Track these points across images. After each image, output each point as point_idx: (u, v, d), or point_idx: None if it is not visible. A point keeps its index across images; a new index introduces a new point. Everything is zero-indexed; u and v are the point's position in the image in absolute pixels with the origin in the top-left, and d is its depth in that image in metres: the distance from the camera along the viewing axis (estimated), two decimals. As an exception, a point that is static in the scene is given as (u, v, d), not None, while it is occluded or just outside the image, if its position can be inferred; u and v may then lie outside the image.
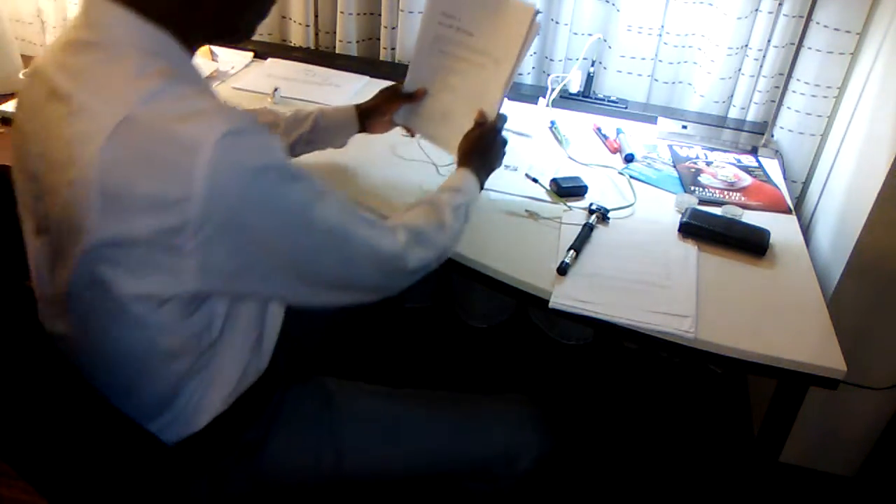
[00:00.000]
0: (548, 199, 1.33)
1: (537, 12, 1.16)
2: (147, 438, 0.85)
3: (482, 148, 1.16)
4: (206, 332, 0.81)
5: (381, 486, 1.04)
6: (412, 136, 1.35)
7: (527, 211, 1.28)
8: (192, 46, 0.81)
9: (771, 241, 1.24)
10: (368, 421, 1.02)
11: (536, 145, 1.54)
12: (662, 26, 1.71)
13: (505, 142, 1.21)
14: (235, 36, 0.85)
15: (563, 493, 1.57)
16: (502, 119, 1.21)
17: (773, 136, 1.69)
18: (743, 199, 1.41)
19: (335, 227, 0.81)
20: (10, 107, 1.54)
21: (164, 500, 0.89)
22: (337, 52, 1.94)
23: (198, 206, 0.68)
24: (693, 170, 1.50)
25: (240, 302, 0.84)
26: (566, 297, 1.07)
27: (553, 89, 1.69)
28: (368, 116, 1.29)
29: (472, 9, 1.21)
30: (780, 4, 1.59)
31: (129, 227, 0.70)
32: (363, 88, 1.73)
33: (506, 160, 1.38)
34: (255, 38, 1.15)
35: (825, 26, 1.55)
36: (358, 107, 1.29)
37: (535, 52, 1.83)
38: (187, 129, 0.68)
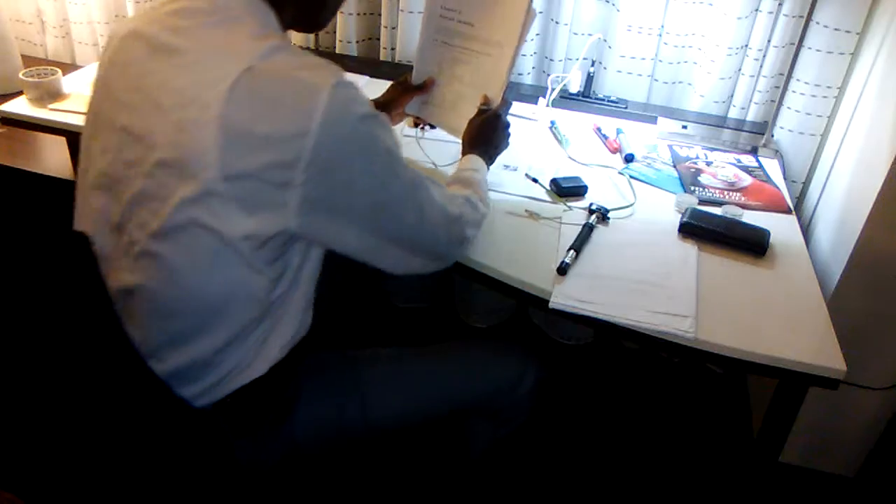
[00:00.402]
0: (548, 199, 1.33)
1: None
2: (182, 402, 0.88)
3: (485, 133, 1.23)
4: (280, 280, 0.87)
5: (401, 434, 1.11)
6: (421, 128, 1.40)
7: (527, 211, 1.28)
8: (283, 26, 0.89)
9: (771, 241, 1.24)
10: (386, 373, 1.10)
11: (536, 145, 1.54)
12: (662, 26, 1.71)
13: (507, 125, 1.27)
14: (314, 25, 0.97)
15: (563, 493, 1.57)
16: (507, 103, 1.27)
17: (773, 136, 1.69)
18: (743, 199, 1.41)
19: (415, 179, 0.91)
20: (10, 107, 1.54)
21: (213, 462, 0.94)
22: (337, 52, 1.94)
23: (312, 142, 0.77)
24: (693, 170, 1.50)
25: (308, 256, 0.90)
26: (566, 297, 1.07)
27: (553, 89, 1.69)
28: (384, 110, 1.34)
29: (472, 1, 1.27)
30: (780, 4, 1.59)
31: (247, 162, 0.77)
32: (363, 88, 1.73)
33: (506, 160, 1.40)
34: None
35: (825, 26, 1.55)
36: (374, 101, 1.34)
37: (535, 52, 1.83)
38: (306, 75, 0.78)
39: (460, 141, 1.25)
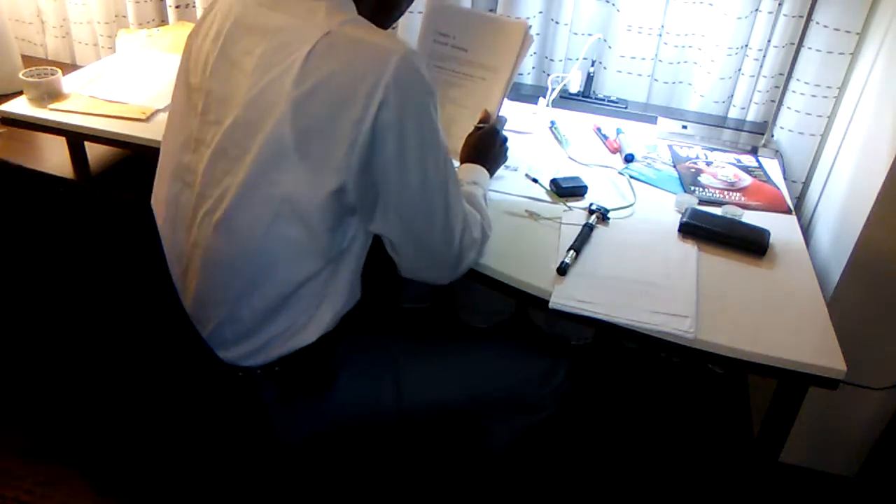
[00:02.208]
0: (548, 199, 1.33)
1: (529, 26, 1.25)
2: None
3: (483, 148, 1.23)
4: (334, 245, 0.91)
5: (435, 420, 1.14)
6: None
7: (527, 211, 1.28)
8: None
9: (771, 241, 1.24)
10: (422, 359, 1.12)
11: (536, 145, 1.54)
12: (662, 26, 1.71)
13: (505, 139, 1.28)
14: (387, 21, 0.99)
15: (563, 493, 1.57)
16: (501, 121, 1.30)
17: (773, 136, 1.69)
18: (743, 199, 1.41)
19: (451, 180, 0.93)
20: (10, 107, 1.54)
21: (257, 428, 0.97)
22: (337, 52, 1.94)
23: (378, 101, 0.81)
24: (693, 170, 1.50)
25: (361, 228, 0.94)
26: (566, 297, 1.07)
27: (553, 89, 1.69)
28: None
29: (466, 27, 1.30)
30: (780, 4, 1.59)
31: (317, 116, 0.82)
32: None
33: (506, 160, 1.40)
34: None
35: (825, 26, 1.55)
36: None
37: (534, 52, 1.82)
38: (380, 41, 0.84)
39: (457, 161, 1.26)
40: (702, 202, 1.36)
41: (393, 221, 0.91)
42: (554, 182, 1.35)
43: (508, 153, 1.30)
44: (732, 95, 1.73)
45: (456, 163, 1.26)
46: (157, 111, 1.54)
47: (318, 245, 0.89)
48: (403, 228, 0.92)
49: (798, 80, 1.63)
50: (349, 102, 0.81)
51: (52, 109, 1.53)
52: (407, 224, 0.92)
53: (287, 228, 0.87)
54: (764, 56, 1.65)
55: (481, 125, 1.26)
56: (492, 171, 1.23)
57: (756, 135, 1.66)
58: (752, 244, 1.23)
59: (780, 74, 1.65)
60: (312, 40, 0.82)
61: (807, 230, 1.58)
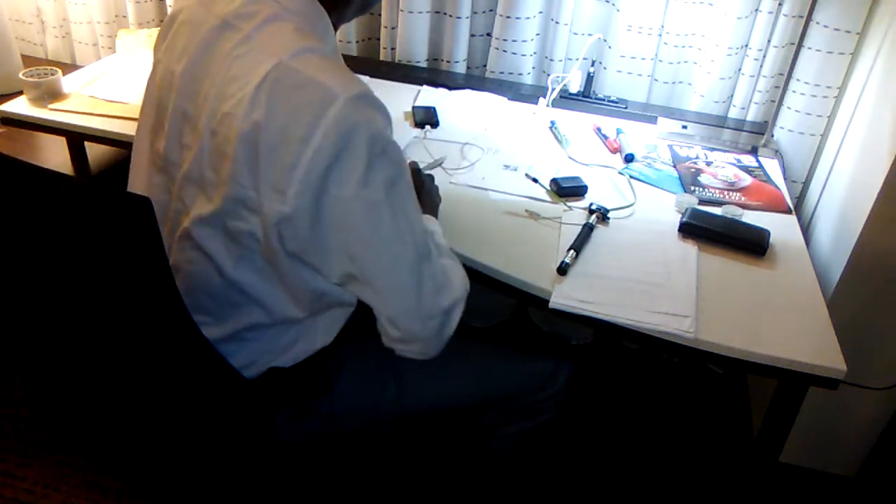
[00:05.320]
0: (548, 199, 1.33)
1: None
2: (233, 373, 0.90)
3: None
4: (315, 300, 0.89)
5: (436, 420, 1.13)
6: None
7: (527, 211, 1.28)
8: (335, 27, 0.91)
9: (771, 241, 1.24)
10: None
11: (536, 145, 1.54)
12: (662, 26, 1.71)
13: (432, 178, 1.21)
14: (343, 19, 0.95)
15: (562, 492, 1.57)
16: (415, 164, 1.24)
17: (773, 136, 1.69)
18: (743, 199, 1.41)
19: (413, 220, 0.85)
20: (10, 107, 1.54)
21: (251, 433, 0.96)
22: (337, 52, 1.94)
23: (312, 150, 0.75)
24: (693, 170, 1.50)
25: (344, 297, 0.92)
26: (566, 297, 1.07)
27: (553, 89, 1.69)
28: None
29: None
30: (780, 4, 1.59)
31: (258, 159, 0.77)
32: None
33: (506, 160, 1.40)
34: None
35: (825, 26, 1.55)
36: None
37: (535, 52, 1.83)
38: (328, 80, 0.76)
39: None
40: (702, 202, 1.36)
41: (347, 272, 0.84)
42: (554, 182, 1.35)
43: (442, 199, 1.20)
44: (732, 95, 1.73)
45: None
46: (157, 111, 1.54)
47: (292, 295, 0.87)
48: (364, 281, 0.84)
49: (798, 80, 1.63)
50: (284, 147, 0.76)
51: (52, 109, 1.53)
52: (365, 278, 0.84)
53: (259, 263, 0.85)
54: (764, 56, 1.65)
55: None
56: (434, 212, 1.14)
57: (756, 135, 1.66)
58: (752, 244, 1.23)
59: (780, 74, 1.65)
60: (262, 72, 0.77)
61: (807, 230, 1.58)
